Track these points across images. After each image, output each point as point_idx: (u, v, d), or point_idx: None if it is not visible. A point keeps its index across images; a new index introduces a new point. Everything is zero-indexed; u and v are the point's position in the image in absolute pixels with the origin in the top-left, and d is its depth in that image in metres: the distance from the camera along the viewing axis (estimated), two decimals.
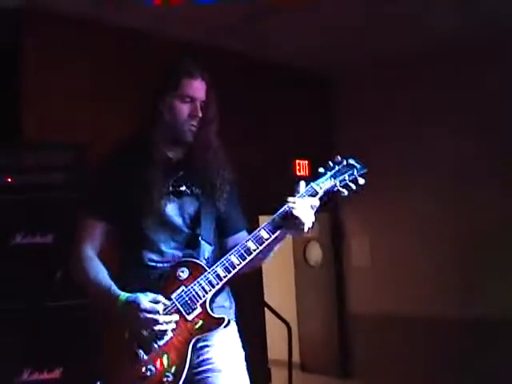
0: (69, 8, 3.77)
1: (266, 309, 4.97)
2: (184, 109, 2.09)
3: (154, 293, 1.96)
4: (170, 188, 2.09)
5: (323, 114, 5.72)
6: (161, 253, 2.06)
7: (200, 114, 2.09)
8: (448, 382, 4.62)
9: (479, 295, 4.53)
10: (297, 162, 5.34)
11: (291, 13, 4.06)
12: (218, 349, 2.03)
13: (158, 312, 1.89)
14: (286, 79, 5.25)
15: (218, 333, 2.01)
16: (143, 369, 1.92)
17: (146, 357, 1.92)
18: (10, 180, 3.01)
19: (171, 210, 2.07)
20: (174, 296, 1.96)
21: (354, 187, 2.10)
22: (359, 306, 5.52)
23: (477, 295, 4.55)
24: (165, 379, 1.91)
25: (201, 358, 2.01)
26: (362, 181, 2.11)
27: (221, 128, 2.20)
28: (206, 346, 2.02)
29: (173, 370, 1.92)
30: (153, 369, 1.92)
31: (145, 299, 1.90)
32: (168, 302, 1.94)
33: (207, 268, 1.99)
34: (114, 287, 1.98)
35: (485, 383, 4.36)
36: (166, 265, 2.04)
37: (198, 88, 2.10)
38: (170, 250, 2.06)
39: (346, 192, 2.10)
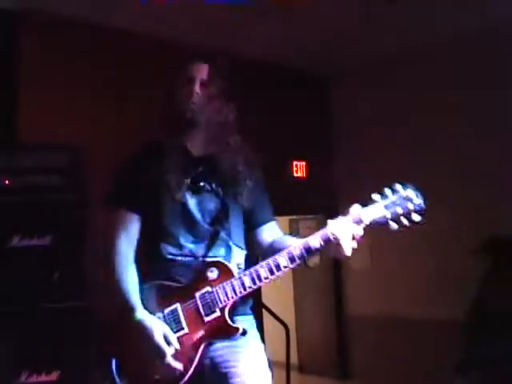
0: (66, 9, 3.76)
1: (263, 310, 4.95)
2: (183, 88, 2.13)
3: (177, 284, 1.98)
4: (190, 183, 2.09)
5: (322, 115, 5.71)
6: (179, 246, 2.05)
7: (197, 90, 2.11)
8: (447, 382, 4.60)
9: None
10: (294, 163, 5.33)
11: (291, 13, 4.04)
12: (241, 351, 2.02)
13: (165, 354, 1.89)
14: (286, 79, 5.23)
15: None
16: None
17: None
18: (7, 182, 3.00)
19: (191, 204, 2.08)
20: (197, 294, 1.97)
21: (406, 223, 1.94)
22: (357, 308, 5.50)
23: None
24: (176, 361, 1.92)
25: (222, 359, 2.00)
26: (417, 218, 1.93)
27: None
28: (229, 346, 2.01)
29: (181, 362, 1.92)
30: None
31: (159, 333, 1.90)
32: (176, 344, 1.92)
33: (235, 274, 1.99)
34: (133, 300, 1.97)
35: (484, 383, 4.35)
36: (185, 258, 2.04)
37: (196, 68, 2.15)
38: (188, 244, 2.06)
39: (395, 226, 1.95)
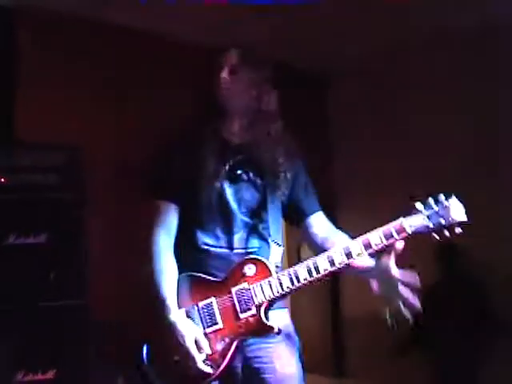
0: (66, 6, 3.75)
1: None
2: (214, 76, 2.09)
3: (213, 278, 1.97)
4: (227, 171, 2.06)
5: (322, 114, 5.70)
6: (215, 237, 2.03)
7: (226, 76, 2.07)
8: (444, 381, 4.59)
9: None
10: None
11: (291, 13, 4.02)
12: (274, 347, 2.01)
13: (194, 360, 1.88)
14: (286, 79, 5.21)
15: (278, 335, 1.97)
16: None
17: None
18: (3, 180, 2.99)
19: (228, 193, 2.05)
20: (234, 290, 1.95)
21: (447, 234, 1.90)
22: (354, 306, 5.49)
23: None
24: (207, 361, 1.91)
25: (254, 354, 1.99)
26: (458, 230, 1.89)
27: None
28: (262, 341, 1.99)
29: (212, 359, 1.91)
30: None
31: (190, 339, 1.88)
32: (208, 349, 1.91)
33: (273, 272, 1.96)
34: (169, 300, 1.95)
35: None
36: (219, 250, 2.02)
37: (227, 56, 2.13)
38: (224, 234, 2.04)
39: (437, 238, 1.91)
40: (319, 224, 2.19)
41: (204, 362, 1.89)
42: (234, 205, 2.05)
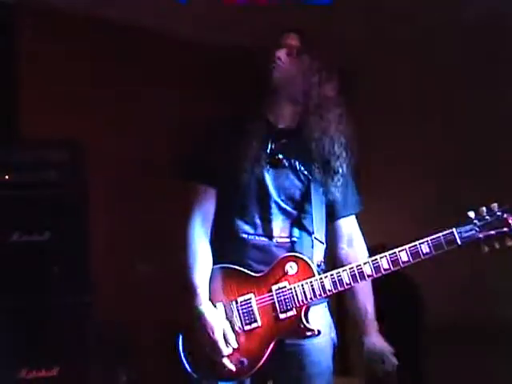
0: (65, 2, 3.74)
1: None
2: (267, 56, 2.04)
3: (252, 273, 1.94)
4: (268, 154, 2.00)
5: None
6: (253, 224, 1.99)
7: (281, 54, 2.01)
8: (444, 378, 4.60)
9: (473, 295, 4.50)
10: None
11: (292, 9, 4.02)
12: (307, 347, 1.98)
13: (221, 353, 1.87)
14: None
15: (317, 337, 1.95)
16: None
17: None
18: (6, 177, 2.99)
19: (267, 179, 1.99)
20: (274, 288, 1.91)
21: (497, 246, 1.86)
22: None
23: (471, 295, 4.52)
24: (242, 358, 1.90)
25: (285, 349, 1.96)
26: (510, 243, 1.85)
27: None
28: (300, 344, 1.97)
29: (249, 357, 1.90)
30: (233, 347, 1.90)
31: (218, 332, 1.87)
32: (234, 343, 1.90)
33: (316, 273, 1.93)
34: (200, 289, 1.94)
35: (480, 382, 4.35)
36: (258, 238, 1.98)
37: (287, 37, 2.06)
38: (262, 222, 1.99)
39: (486, 249, 1.87)
40: (347, 228, 2.15)
41: (231, 357, 1.88)
42: (272, 191, 1.99)
